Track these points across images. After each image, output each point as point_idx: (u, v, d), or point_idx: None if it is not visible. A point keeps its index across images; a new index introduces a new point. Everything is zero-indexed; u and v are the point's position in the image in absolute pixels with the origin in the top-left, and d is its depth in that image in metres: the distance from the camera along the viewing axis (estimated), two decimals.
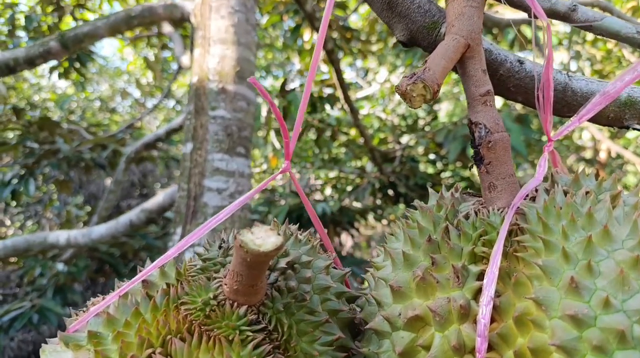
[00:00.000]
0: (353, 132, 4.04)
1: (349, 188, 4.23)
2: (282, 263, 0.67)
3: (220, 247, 0.67)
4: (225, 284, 0.58)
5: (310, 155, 4.61)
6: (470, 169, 0.81)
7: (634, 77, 0.64)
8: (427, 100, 0.77)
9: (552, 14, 0.77)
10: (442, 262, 0.66)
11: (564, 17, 0.78)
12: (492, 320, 0.58)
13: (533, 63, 0.73)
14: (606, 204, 0.60)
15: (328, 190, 4.83)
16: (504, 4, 0.76)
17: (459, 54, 0.76)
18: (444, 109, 4.64)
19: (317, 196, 4.68)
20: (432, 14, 0.78)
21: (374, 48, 3.99)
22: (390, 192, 3.93)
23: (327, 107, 3.31)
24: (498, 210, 0.70)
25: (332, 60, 2.48)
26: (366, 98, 5.22)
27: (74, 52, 1.93)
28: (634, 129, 0.83)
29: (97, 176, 4.46)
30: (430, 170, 4.33)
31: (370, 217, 4.33)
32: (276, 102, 3.51)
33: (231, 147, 1.73)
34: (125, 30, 1.86)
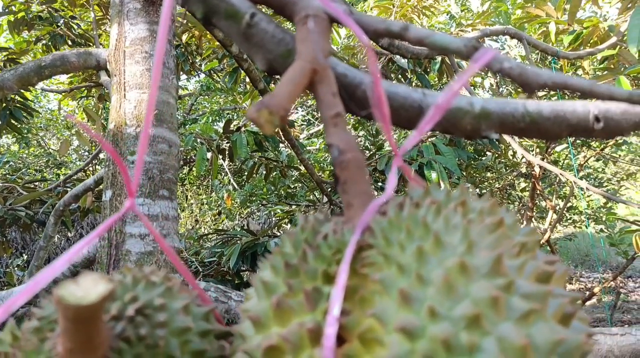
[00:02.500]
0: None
1: None
2: (130, 310, 0.63)
3: None
4: (60, 344, 0.54)
5: (266, 193, 4.59)
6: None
7: (460, 86, 0.68)
8: (277, 125, 0.78)
9: (388, 33, 0.82)
10: (298, 286, 0.66)
11: (398, 35, 0.83)
12: (345, 341, 0.57)
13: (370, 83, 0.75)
14: (446, 212, 0.61)
15: (288, 227, 4.80)
16: (340, 27, 0.79)
17: (306, 79, 0.78)
18: None
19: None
20: (286, 42, 0.81)
21: None
22: None
23: (271, 144, 3.35)
24: (353, 227, 0.71)
25: None
26: (320, 134, 5.32)
27: None
28: (492, 137, 0.87)
29: (41, 234, 4.26)
30: None
31: None
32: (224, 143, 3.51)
33: (153, 190, 1.70)
34: (36, 81, 1.84)
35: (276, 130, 3.53)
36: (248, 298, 0.74)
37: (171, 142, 1.79)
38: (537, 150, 4.60)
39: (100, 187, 2.60)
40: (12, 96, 3.23)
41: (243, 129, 3.30)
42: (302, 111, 5.62)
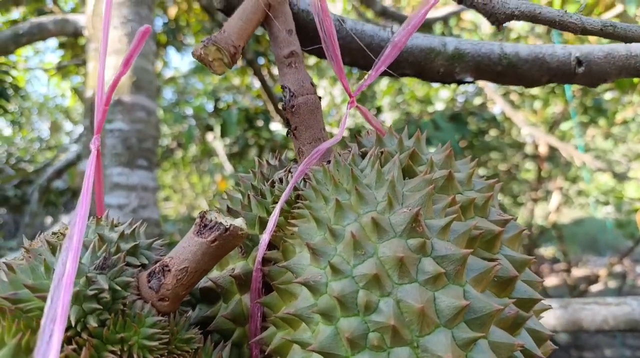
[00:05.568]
0: None
1: None
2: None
3: (105, 264, 0.53)
4: (163, 298, 0.49)
5: None
6: None
7: (416, 25, 0.61)
8: (227, 64, 0.72)
9: None
10: None
11: None
12: (272, 288, 0.53)
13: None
14: (387, 164, 0.55)
15: None
16: None
17: (259, 14, 0.72)
18: (389, 119, 4.66)
19: None
20: None
21: (311, 62, 4.02)
22: None
23: (265, 122, 3.28)
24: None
25: (255, 70, 2.45)
26: None
27: None
28: (466, 82, 0.80)
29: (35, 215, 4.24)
30: None
31: None
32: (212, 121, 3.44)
33: (131, 159, 1.65)
34: (14, 49, 1.78)
35: (265, 109, 3.45)
36: None
37: (149, 110, 1.72)
38: (542, 128, 4.50)
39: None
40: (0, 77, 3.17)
41: (234, 106, 3.23)
42: None
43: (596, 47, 0.81)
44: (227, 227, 0.46)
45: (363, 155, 0.60)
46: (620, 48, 0.79)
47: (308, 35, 0.78)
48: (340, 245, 0.45)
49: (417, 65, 0.79)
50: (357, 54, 0.78)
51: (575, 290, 5.02)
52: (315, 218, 0.49)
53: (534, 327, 0.45)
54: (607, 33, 0.60)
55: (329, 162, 0.62)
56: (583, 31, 0.61)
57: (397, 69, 0.78)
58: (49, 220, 4.06)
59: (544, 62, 0.80)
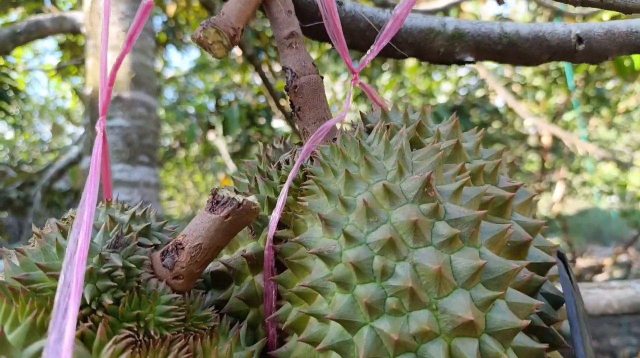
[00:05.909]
0: None
1: None
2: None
3: (118, 243, 0.51)
4: (177, 277, 0.49)
5: None
6: None
7: None
8: (227, 46, 0.72)
9: None
10: None
11: None
12: (285, 267, 0.53)
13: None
14: (384, 137, 0.56)
15: None
16: None
17: None
18: None
19: None
20: None
21: (312, 56, 4.00)
22: None
23: (266, 119, 3.29)
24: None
25: (256, 66, 2.44)
26: None
27: None
28: (467, 62, 0.80)
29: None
30: None
31: None
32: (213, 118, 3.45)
33: (132, 156, 1.65)
34: (12, 48, 1.79)
35: (265, 105, 3.46)
36: None
37: (149, 106, 1.73)
38: (545, 119, 4.50)
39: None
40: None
41: (234, 102, 3.23)
42: None
43: (596, 24, 0.82)
44: (240, 202, 0.46)
45: (369, 131, 0.61)
46: (620, 25, 0.79)
47: (307, 17, 0.78)
48: (353, 215, 0.46)
49: (416, 45, 0.79)
50: (358, 35, 0.78)
51: (581, 280, 5.01)
52: (326, 191, 0.49)
53: (549, 291, 0.45)
54: (607, 4, 0.60)
55: (334, 139, 0.62)
56: (583, 2, 0.61)
57: (397, 51, 0.78)
58: (52, 221, 4.06)
59: (544, 40, 0.80)
